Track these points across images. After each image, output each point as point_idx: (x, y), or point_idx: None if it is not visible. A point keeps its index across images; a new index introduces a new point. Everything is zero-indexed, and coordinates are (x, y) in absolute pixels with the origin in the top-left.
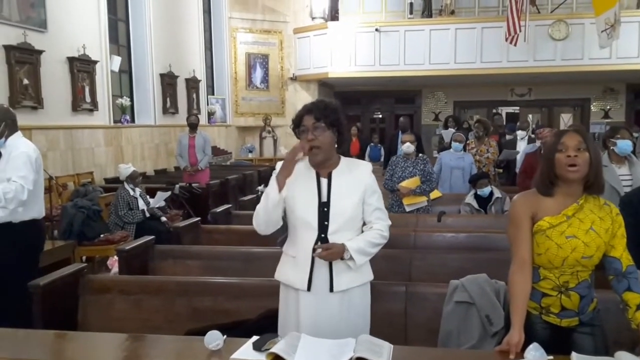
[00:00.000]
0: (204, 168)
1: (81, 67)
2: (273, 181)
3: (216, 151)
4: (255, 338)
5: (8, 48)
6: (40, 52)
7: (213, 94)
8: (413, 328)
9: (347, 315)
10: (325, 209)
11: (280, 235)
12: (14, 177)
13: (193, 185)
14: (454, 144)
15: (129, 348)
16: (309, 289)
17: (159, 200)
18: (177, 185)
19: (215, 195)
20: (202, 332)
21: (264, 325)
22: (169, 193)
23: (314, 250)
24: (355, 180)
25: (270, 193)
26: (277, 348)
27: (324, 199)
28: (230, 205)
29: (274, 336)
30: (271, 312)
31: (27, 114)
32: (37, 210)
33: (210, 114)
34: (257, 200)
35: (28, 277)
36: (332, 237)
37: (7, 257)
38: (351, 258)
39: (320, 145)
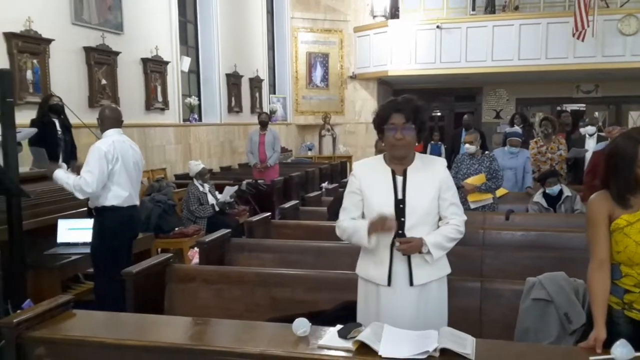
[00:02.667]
0: (273, 165)
1: (154, 68)
2: (365, 227)
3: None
4: (339, 326)
5: (88, 49)
6: (117, 53)
7: (274, 93)
8: (488, 324)
9: (425, 308)
10: (402, 206)
11: None
12: (83, 172)
13: (259, 181)
14: (509, 149)
15: (224, 332)
16: (389, 283)
17: (226, 194)
18: (244, 182)
19: (279, 192)
20: (282, 322)
21: (340, 316)
22: (236, 188)
23: (393, 244)
24: (430, 176)
25: (358, 234)
26: (363, 336)
27: (400, 195)
28: (297, 201)
29: (357, 325)
30: (347, 304)
31: None
32: (116, 198)
33: (272, 113)
34: (321, 196)
35: (117, 261)
36: (409, 233)
37: (95, 239)
38: (429, 252)
39: (407, 145)
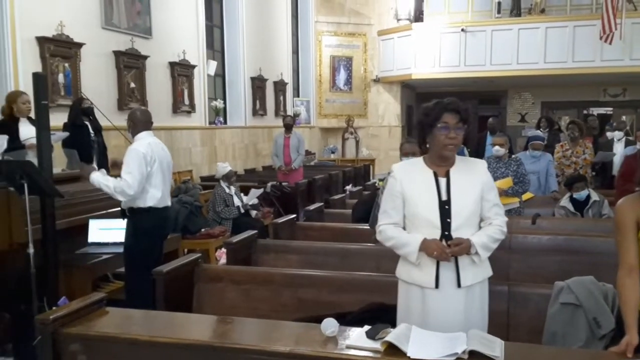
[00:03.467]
0: (298, 167)
1: (181, 72)
2: (414, 246)
3: None
4: (367, 327)
5: (117, 53)
6: (145, 57)
7: (298, 96)
8: (515, 327)
9: (470, 310)
10: (447, 207)
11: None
12: (123, 173)
13: (283, 184)
14: (532, 152)
15: (253, 330)
16: (437, 286)
17: (252, 197)
18: (269, 184)
19: (303, 194)
20: (309, 322)
21: (366, 318)
22: (261, 190)
23: (447, 246)
24: (472, 178)
25: (407, 249)
26: (391, 337)
27: (444, 197)
28: (322, 204)
29: (385, 326)
30: (373, 306)
31: None
32: (152, 199)
33: (296, 116)
34: (345, 198)
35: (149, 261)
36: (455, 234)
37: (128, 239)
38: (476, 253)
39: (457, 145)
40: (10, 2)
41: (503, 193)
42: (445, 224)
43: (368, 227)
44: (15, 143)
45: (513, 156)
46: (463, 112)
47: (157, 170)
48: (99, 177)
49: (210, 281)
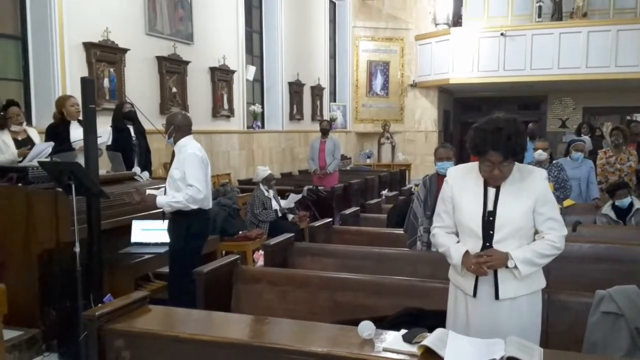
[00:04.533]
0: (333, 172)
1: (221, 77)
2: (457, 259)
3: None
4: (404, 331)
5: (160, 59)
6: (187, 62)
7: (335, 101)
8: (554, 336)
9: (516, 322)
10: (491, 218)
11: (410, 239)
12: (190, 180)
13: (319, 188)
14: (574, 154)
15: (291, 331)
16: (474, 295)
17: (290, 201)
18: (306, 188)
19: (339, 199)
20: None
21: (401, 322)
22: (300, 196)
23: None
24: (526, 189)
25: (452, 260)
26: (428, 341)
27: (490, 207)
28: (358, 208)
29: (422, 330)
30: (409, 310)
31: None
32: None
33: (332, 120)
34: (381, 203)
35: (195, 262)
36: (497, 246)
37: (178, 241)
38: (516, 267)
39: (503, 178)
40: (59, 9)
41: None
42: (488, 236)
43: (403, 232)
44: (65, 145)
45: (554, 161)
46: (508, 151)
47: (208, 173)
48: (164, 199)
49: (248, 282)
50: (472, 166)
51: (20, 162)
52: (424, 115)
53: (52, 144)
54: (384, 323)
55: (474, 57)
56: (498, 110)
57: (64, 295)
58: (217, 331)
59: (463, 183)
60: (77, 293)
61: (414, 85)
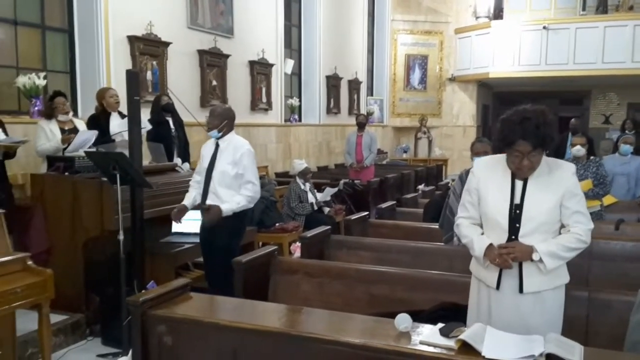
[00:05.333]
0: (369, 165)
1: (260, 70)
2: (481, 251)
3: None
4: (440, 325)
5: (201, 52)
6: (227, 56)
7: (372, 95)
8: (595, 334)
9: (539, 316)
10: (518, 211)
11: (446, 234)
12: (250, 177)
13: (355, 181)
14: (623, 147)
15: (327, 321)
16: (497, 287)
17: (326, 195)
18: (342, 181)
19: (375, 193)
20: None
21: (437, 317)
22: (336, 189)
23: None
24: (553, 182)
25: (475, 252)
26: (466, 335)
27: (517, 200)
28: (394, 202)
29: (459, 325)
30: (445, 305)
31: None
32: None
33: (369, 114)
34: (417, 198)
35: (234, 254)
36: (523, 240)
37: (234, 237)
38: (541, 260)
39: (532, 169)
40: (105, 3)
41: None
42: (514, 229)
43: (439, 228)
44: (105, 136)
45: (592, 157)
46: (537, 140)
47: None
48: (229, 206)
49: (286, 273)
50: (500, 158)
51: (65, 149)
52: (462, 109)
53: (96, 132)
54: (420, 317)
55: (515, 51)
56: (538, 105)
57: (108, 282)
58: (255, 319)
59: (490, 174)
60: (120, 280)
61: (452, 79)
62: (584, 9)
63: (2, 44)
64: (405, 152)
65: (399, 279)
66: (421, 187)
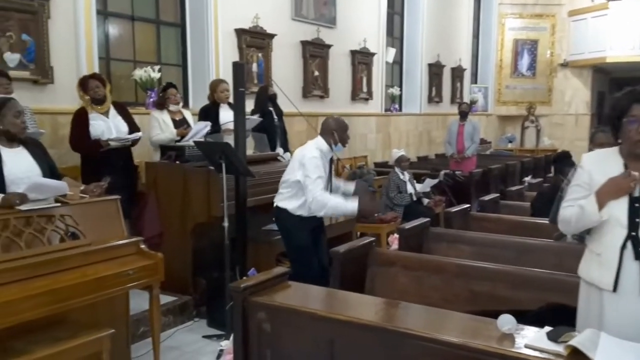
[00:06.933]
0: (471, 156)
1: (361, 60)
2: (593, 198)
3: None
4: (548, 328)
5: (304, 43)
6: (329, 46)
7: (476, 83)
8: None
9: None
10: (637, 205)
11: (558, 230)
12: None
13: (457, 172)
14: None
15: (425, 318)
16: (614, 289)
17: (426, 186)
18: (442, 172)
19: (478, 184)
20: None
21: (545, 318)
22: (437, 180)
23: (624, 245)
24: None
25: (587, 209)
26: (577, 341)
27: (636, 193)
28: (497, 195)
29: (569, 329)
30: (553, 306)
31: (315, 103)
32: None
33: (472, 103)
34: (523, 190)
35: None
36: None
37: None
38: None
39: None
40: None
41: None
42: (634, 224)
43: (548, 222)
44: (215, 127)
45: None
46: None
47: None
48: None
49: (383, 265)
50: (611, 151)
51: (179, 141)
52: (575, 96)
53: (209, 123)
54: (525, 318)
55: (635, 33)
56: None
57: (213, 266)
58: (351, 311)
59: (601, 168)
60: (224, 265)
61: (564, 65)
62: None
63: (120, 39)
64: (510, 141)
65: (501, 275)
66: (527, 179)
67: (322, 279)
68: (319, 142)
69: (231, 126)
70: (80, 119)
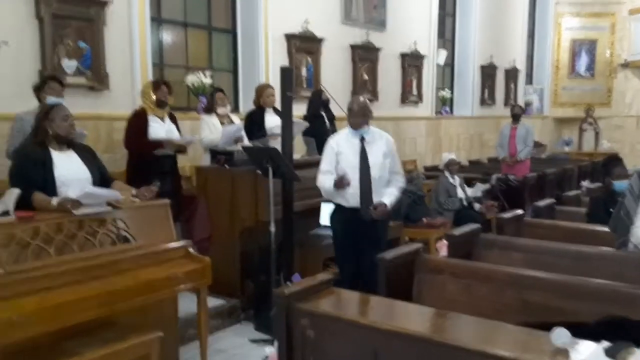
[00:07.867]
0: (524, 159)
1: (411, 62)
2: None
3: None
4: (606, 343)
5: (354, 47)
6: (378, 49)
7: (531, 84)
8: None
9: None
10: None
11: (619, 238)
12: (398, 167)
13: (509, 177)
14: None
15: (474, 329)
16: None
17: (477, 190)
18: (494, 176)
19: (532, 189)
20: (534, 328)
21: (603, 332)
22: (487, 185)
23: None
24: None
25: None
26: (637, 359)
27: None
28: (553, 200)
29: (628, 344)
30: (613, 319)
31: None
32: None
33: (527, 105)
34: (580, 195)
35: None
36: None
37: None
38: None
39: None
40: (265, 4)
41: None
42: None
43: (607, 230)
44: (261, 131)
45: None
46: None
47: None
48: (390, 200)
49: (431, 272)
50: None
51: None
52: (636, 98)
53: (240, 126)
54: (581, 331)
55: None
56: None
57: (261, 270)
58: (397, 321)
59: None
60: (271, 269)
61: (625, 65)
62: None
63: (174, 45)
64: (567, 145)
65: (556, 285)
66: (585, 183)
67: (351, 285)
68: None
69: (277, 130)
70: (140, 119)
